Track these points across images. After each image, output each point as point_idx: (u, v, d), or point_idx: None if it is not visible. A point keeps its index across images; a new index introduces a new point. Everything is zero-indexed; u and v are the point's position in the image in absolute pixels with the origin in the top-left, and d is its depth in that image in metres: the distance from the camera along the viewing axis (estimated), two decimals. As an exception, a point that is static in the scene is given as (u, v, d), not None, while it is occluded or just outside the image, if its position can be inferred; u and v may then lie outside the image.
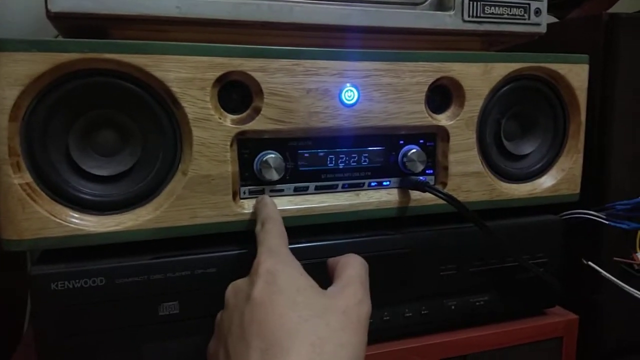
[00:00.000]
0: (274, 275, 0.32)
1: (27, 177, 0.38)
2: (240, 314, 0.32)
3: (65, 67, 0.37)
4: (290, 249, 0.43)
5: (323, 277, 0.44)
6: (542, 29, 0.53)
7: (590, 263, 0.54)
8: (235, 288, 0.35)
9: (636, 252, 0.55)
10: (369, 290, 0.35)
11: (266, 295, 0.31)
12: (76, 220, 0.39)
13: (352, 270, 0.35)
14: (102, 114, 0.39)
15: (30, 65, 0.36)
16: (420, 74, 0.46)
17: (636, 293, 0.52)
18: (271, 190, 0.45)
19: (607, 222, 0.53)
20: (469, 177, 0.50)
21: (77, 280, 0.39)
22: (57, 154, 0.39)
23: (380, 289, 0.47)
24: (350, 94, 0.45)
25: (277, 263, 0.34)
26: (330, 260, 0.37)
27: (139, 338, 0.41)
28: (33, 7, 0.69)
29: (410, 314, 0.48)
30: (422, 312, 0.49)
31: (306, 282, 0.33)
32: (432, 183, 0.50)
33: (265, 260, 0.34)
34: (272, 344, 0.29)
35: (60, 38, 0.50)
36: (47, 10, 0.39)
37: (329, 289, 0.34)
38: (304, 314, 0.30)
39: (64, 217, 0.39)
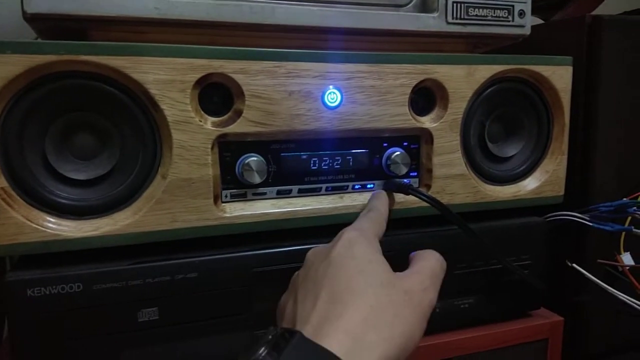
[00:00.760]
0: (352, 243, 0.36)
1: (3, 182, 0.37)
2: (315, 270, 0.35)
3: (41, 69, 0.36)
4: (273, 253, 0.44)
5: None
6: (526, 31, 0.53)
7: (574, 265, 0.54)
8: (315, 250, 0.38)
9: (620, 254, 0.56)
10: (439, 285, 0.37)
11: (341, 257, 0.35)
12: (53, 225, 0.38)
13: (426, 262, 0.37)
14: (80, 117, 0.39)
15: (5, 67, 0.35)
16: (404, 76, 0.46)
17: (620, 295, 0.53)
18: (253, 194, 0.45)
19: (591, 224, 0.53)
20: (453, 180, 0.49)
21: (53, 287, 0.38)
22: (33, 157, 0.38)
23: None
24: (333, 96, 0.44)
25: (359, 236, 0.37)
26: (412, 253, 0.40)
27: (118, 345, 0.40)
28: (15, 9, 0.68)
29: (395, 318, 0.48)
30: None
31: (379, 258, 0.35)
32: (416, 185, 0.50)
33: (350, 231, 0.38)
34: (336, 298, 0.32)
35: (38, 40, 0.49)
36: (24, 12, 0.38)
37: (400, 272, 0.36)
38: (370, 280, 0.33)
39: (40, 222, 0.38)
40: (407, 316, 0.32)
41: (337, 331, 0.30)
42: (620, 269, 0.55)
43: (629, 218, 0.54)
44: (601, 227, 0.53)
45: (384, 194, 0.47)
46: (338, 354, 0.28)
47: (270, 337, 0.29)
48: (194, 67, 0.40)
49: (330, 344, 0.29)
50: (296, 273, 0.39)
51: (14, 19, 0.67)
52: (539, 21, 0.81)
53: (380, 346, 0.30)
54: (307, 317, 0.31)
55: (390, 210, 0.48)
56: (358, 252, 0.35)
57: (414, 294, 0.34)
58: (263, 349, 0.28)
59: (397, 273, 0.35)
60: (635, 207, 0.54)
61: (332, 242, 0.37)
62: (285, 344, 0.28)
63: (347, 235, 0.37)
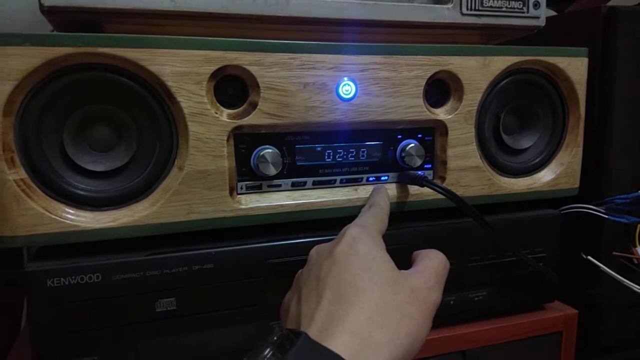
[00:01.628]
0: (355, 240, 0.35)
1: (22, 173, 0.37)
2: (319, 268, 0.35)
3: (59, 62, 0.37)
4: (287, 245, 0.44)
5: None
6: (541, 22, 0.53)
7: (589, 257, 0.53)
8: (319, 247, 0.38)
9: (635, 247, 0.55)
10: (443, 285, 0.36)
11: (344, 255, 0.34)
12: (71, 216, 0.39)
13: (430, 261, 0.37)
14: (97, 109, 0.39)
15: (23, 60, 0.35)
16: (419, 68, 0.46)
17: (636, 287, 0.52)
18: (268, 186, 0.45)
19: (606, 217, 0.53)
20: (468, 172, 0.49)
21: (73, 277, 0.38)
22: (51, 149, 0.38)
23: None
24: (347, 88, 0.44)
25: (362, 232, 0.36)
26: (415, 252, 0.39)
27: (135, 334, 0.40)
28: (30, 3, 0.68)
29: (409, 309, 0.48)
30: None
31: (383, 255, 0.35)
32: (430, 177, 0.50)
33: (353, 227, 0.37)
34: (341, 297, 0.31)
35: (55, 32, 0.49)
36: (41, 4, 0.38)
37: (404, 271, 0.35)
38: (375, 278, 0.33)
39: (59, 213, 0.38)
40: (413, 315, 0.32)
41: (342, 332, 0.29)
42: (636, 261, 0.55)
43: (645, 210, 0.53)
44: (617, 219, 0.53)
45: (384, 188, 0.46)
46: (344, 356, 0.28)
47: (275, 337, 0.29)
48: (210, 59, 0.40)
49: (336, 345, 0.28)
50: (300, 271, 0.38)
51: (27, 13, 0.68)
52: (553, 13, 0.81)
53: (387, 346, 0.29)
54: (311, 317, 0.31)
55: (404, 203, 0.48)
56: (362, 249, 0.35)
57: (420, 293, 0.33)
58: (268, 350, 0.28)
59: (402, 271, 0.35)
60: (651, 200, 0.53)
61: (336, 240, 0.37)
62: (290, 345, 0.28)
63: (351, 232, 0.36)
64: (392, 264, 0.35)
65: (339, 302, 0.31)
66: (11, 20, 0.68)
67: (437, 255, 0.38)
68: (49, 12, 0.39)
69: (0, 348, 0.55)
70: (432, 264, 0.36)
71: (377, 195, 0.45)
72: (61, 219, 0.38)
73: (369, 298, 0.31)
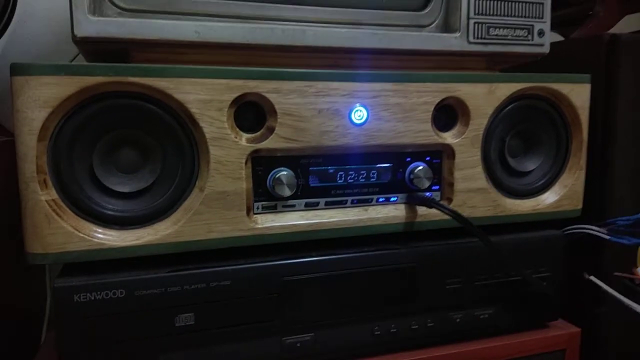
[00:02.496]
0: None
1: (53, 194, 0.40)
2: None
3: (91, 90, 0.39)
4: (301, 263, 0.46)
5: (332, 290, 0.46)
6: (546, 49, 0.55)
7: (592, 277, 0.55)
8: None
9: (637, 267, 0.57)
10: None
11: None
12: (99, 235, 0.41)
13: None
14: (125, 133, 0.41)
15: (58, 88, 0.38)
16: (428, 94, 0.48)
17: (637, 307, 0.54)
18: (283, 206, 0.47)
19: (608, 237, 0.54)
20: (474, 193, 0.51)
21: (98, 292, 0.40)
22: (81, 171, 0.41)
23: (388, 301, 0.48)
24: (359, 114, 0.46)
25: None
26: None
27: (156, 348, 0.42)
28: (52, 27, 0.71)
29: (417, 326, 0.50)
30: (428, 324, 0.50)
31: None
32: (438, 199, 0.52)
33: None
34: None
35: (81, 60, 0.52)
36: (74, 35, 0.41)
37: None
38: None
39: (87, 231, 0.41)
40: None
41: None
42: (638, 282, 0.56)
43: (647, 232, 0.55)
44: (618, 240, 0.54)
45: None
46: None
47: None
48: (231, 87, 0.42)
49: None
50: None
51: (53, 40, 0.71)
52: (557, 37, 0.83)
53: None
54: None
55: (412, 224, 0.50)
56: None
57: None
58: None
59: None
60: (652, 222, 0.55)
61: None
62: None
63: None
64: None
65: None
66: (36, 44, 0.71)
67: None
68: (80, 42, 0.42)
69: None
70: None
71: None
72: (89, 238, 0.40)
73: None
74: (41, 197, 0.39)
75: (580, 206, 0.56)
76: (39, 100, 0.38)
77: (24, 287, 0.62)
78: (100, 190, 0.41)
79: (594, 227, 0.55)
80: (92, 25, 0.41)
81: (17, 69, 0.37)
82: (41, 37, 0.71)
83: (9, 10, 0.59)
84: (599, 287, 0.55)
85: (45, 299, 0.62)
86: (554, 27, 0.82)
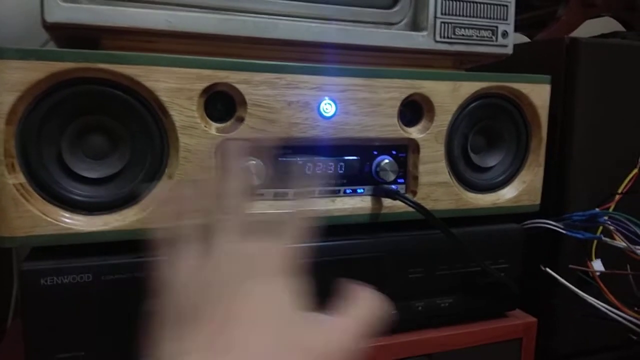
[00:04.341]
0: (280, 290, 0.31)
1: (21, 178, 0.40)
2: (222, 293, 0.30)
3: (60, 75, 0.39)
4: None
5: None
6: (509, 50, 0.57)
7: (547, 269, 0.58)
8: (236, 257, 0.31)
9: (591, 261, 0.60)
10: (370, 337, 0.31)
11: (262, 296, 0.30)
12: (66, 220, 0.41)
13: (360, 311, 0.31)
14: (94, 120, 0.42)
15: (27, 73, 0.38)
16: (394, 90, 0.50)
17: (590, 299, 0.56)
18: (252, 195, 0.48)
19: (564, 232, 0.57)
20: (437, 187, 0.53)
21: (65, 276, 0.41)
22: (50, 156, 0.41)
23: (352, 289, 0.50)
24: (328, 107, 0.48)
25: (288, 281, 0.32)
26: (350, 287, 0.33)
27: (122, 332, 0.43)
28: (22, 8, 0.71)
29: (380, 314, 0.51)
30: (392, 312, 0.52)
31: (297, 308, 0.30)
32: (403, 191, 0.53)
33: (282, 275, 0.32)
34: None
35: (52, 45, 0.52)
36: (44, 21, 0.41)
37: (322, 317, 0.30)
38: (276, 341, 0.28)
39: (55, 216, 0.41)
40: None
41: None
42: (591, 274, 0.59)
43: (600, 227, 0.58)
44: (573, 234, 0.57)
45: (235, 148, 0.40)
46: None
47: None
48: (202, 77, 0.43)
49: None
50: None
51: (24, 23, 0.70)
52: (524, 37, 0.86)
53: None
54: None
55: (378, 215, 0.52)
56: (279, 302, 0.29)
57: (320, 356, 0.27)
58: None
59: (318, 319, 0.29)
60: (605, 217, 0.58)
61: (267, 263, 0.31)
62: None
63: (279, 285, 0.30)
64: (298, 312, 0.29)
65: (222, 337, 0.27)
66: (6, 28, 0.70)
67: (369, 305, 0.31)
68: (51, 28, 0.42)
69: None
70: (362, 314, 0.31)
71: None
72: (56, 222, 0.41)
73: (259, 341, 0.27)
74: (8, 180, 0.39)
75: (538, 201, 0.58)
76: (8, 84, 0.38)
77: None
78: (69, 175, 0.42)
79: (551, 222, 0.58)
80: (63, 12, 0.41)
81: (-15, 53, 0.38)
82: (11, 19, 0.71)
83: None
84: (555, 279, 0.58)
85: (11, 285, 0.62)
86: (520, 29, 0.85)
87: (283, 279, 0.30)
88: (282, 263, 0.31)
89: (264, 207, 0.48)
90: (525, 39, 0.86)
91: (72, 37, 0.44)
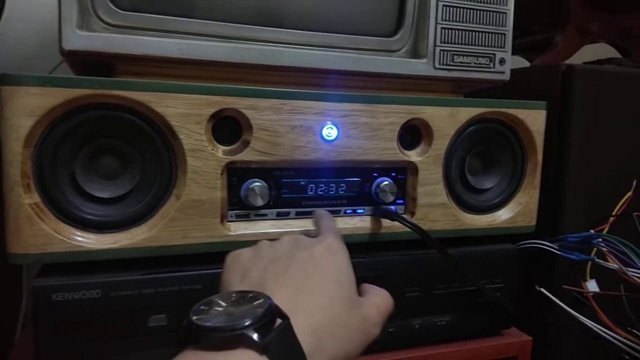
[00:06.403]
0: (336, 250, 0.37)
1: (36, 198, 0.42)
2: (293, 255, 0.36)
3: (76, 101, 0.41)
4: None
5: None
6: (506, 77, 0.59)
7: (542, 290, 0.59)
8: (296, 237, 0.39)
9: (585, 281, 0.61)
10: (384, 324, 0.38)
11: (322, 258, 0.36)
12: (78, 238, 0.43)
13: (382, 300, 0.39)
14: (107, 143, 0.44)
15: (45, 99, 0.40)
16: (394, 115, 0.52)
17: (583, 319, 0.58)
18: (256, 215, 0.50)
19: (558, 253, 0.59)
20: (435, 208, 0.55)
21: (75, 292, 0.42)
22: (64, 177, 0.43)
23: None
24: (330, 131, 0.50)
25: (343, 247, 0.39)
26: (363, 284, 0.40)
27: (130, 347, 0.44)
28: (35, 30, 0.73)
29: (378, 332, 0.53)
30: (389, 330, 0.53)
31: (352, 275, 0.37)
32: (401, 212, 0.55)
33: (332, 237, 0.39)
34: (304, 292, 0.33)
35: (64, 67, 0.54)
36: (61, 48, 0.43)
37: (360, 298, 0.37)
38: (340, 293, 0.34)
39: (67, 234, 0.43)
40: (356, 340, 0.34)
41: (305, 326, 0.30)
42: (585, 295, 0.61)
43: (595, 249, 0.59)
44: (568, 255, 0.58)
45: (327, 212, 0.49)
46: (305, 352, 0.29)
47: (260, 312, 0.29)
48: (210, 103, 0.45)
49: (299, 337, 0.30)
50: (265, 241, 0.39)
51: (35, 46, 0.72)
52: (523, 61, 0.88)
53: (328, 357, 0.31)
54: (278, 295, 0.32)
55: (377, 235, 0.53)
56: (340, 262, 0.36)
57: (368, 324, 0.35)
58: (249, 321, 0.28)
59: (359, 297, 0.37)
60: (599, 239, 0.59)
61: (317, 240, 0.38)
62: (272, 327, 0.29)
63: (332, 241, 0.38)
64: (356, 286, 0.37)
65: (302, 296, 0.33)
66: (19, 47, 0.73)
67: (388, 296, 0.40)
68: (68, 55, 0.44)
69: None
70: (384, 303, 0.39)
71: (326, 220, 0.46)
72: (68, 240, 0.43)
73: (330, 308, 0.33)
74: (24, 200, 0.41)
75: (534, 223, 0.60)
76: (26, 110, 0.40)
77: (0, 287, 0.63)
78: (81, 195, 0.44)
79: (546, 243, 0.59)
80: (79, 40, 0.43)
81: (6, 79, 0.40)
82: (25, 40, 0.73)
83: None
84: (549, 299, 0.59)
85: (20, 298, 0.64)
86: (519, 52, 0.87)
87: (351, 267, 0.37)
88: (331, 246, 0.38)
89: (267, 227, 0.50)
90: (525, 62, 0.89)
91: (87, 63, 0.47)
